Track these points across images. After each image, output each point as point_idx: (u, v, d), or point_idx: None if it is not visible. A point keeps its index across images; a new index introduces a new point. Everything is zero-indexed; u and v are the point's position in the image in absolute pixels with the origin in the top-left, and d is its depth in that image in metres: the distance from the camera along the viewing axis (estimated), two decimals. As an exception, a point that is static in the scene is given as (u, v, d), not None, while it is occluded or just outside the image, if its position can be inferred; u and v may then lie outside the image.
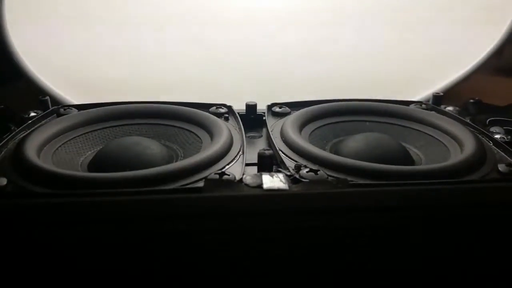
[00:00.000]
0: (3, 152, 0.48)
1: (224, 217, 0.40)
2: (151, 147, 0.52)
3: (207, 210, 0.40)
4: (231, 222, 0.40)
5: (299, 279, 0.43)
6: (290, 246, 0.41)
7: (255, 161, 0.50)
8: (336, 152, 0.56)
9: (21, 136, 0.51)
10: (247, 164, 0.50)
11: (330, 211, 0.41)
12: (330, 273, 0.43)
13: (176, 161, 0.53)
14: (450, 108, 0.66)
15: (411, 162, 0.54)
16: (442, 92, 0.70)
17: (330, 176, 0.46)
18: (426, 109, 0.65)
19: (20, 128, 0.52)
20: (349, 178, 0.45)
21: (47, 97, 0.58)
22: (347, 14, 0.78)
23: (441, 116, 0.61)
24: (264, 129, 0.61)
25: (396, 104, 0.65)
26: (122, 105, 0.60)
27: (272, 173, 0.45)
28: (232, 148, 0.52)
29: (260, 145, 0.58)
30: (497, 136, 0.57)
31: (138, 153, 0.50)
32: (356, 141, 0.56)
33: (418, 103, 0.66)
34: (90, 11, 0.70)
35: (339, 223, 0.41)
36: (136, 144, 0.52)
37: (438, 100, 0.66)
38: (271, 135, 0.55)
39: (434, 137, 0.57)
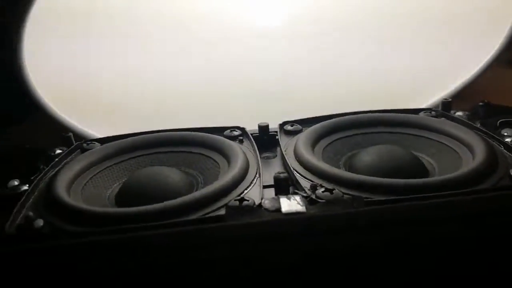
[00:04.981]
0: (35, 193, 0.50)
1: (246, 243, 0.42)
2: (172, 176, 0.54)
3: (230, 238, 0.42)
4: (253, 248, 0.42)
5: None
6: (311, 268, 0.43)
7: (272, 182, 0.52)
8: (350, 168, 0.58)
9: (50, 174, 0.54)
10: (264, 186, 0.52)
11: (348, 231, 0.42)
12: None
13: (196, 188, 0.56)
14: (459, 113, 0.66)
15: (425, 172, 0.55)
16: (452, 95, 0.71)
17: (345, 194, 0.47)
18: (436, 115, 0.66)
19: (49, 167, 0.55)
20: (364, 195, 0.47)
21: (70, 134, 0.61)
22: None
23: (451, 122, 0.62)
24: (278, 149, 0.63)
25: (405, 112, 0.66)
26: (141, 136, 0.63)
27: (290, 195, 0.47)
28: (249, 172, 0.54)
29: (275, 165, 0.59)
30: (508, 139, 0.58)
31: (160, 184, 0.53)
32: (368, 155, 0.57)
33: (428, 110, 0.67)
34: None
35: (358, 241, 0.43)
36: (157, 174, 0.54)
37: (447, 106, 0.67)
38: (285, 156, 0.57)
39: (446, 145, 0.58)
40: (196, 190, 0.55)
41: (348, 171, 0.57)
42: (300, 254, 0.42)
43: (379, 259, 0.44)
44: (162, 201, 0.49)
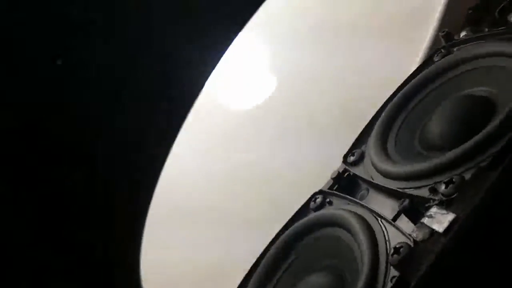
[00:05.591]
0: None
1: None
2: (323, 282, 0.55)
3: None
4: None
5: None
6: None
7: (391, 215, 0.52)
8: (428, 145, 0.57)
9: None
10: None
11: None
12: None
13: (342, 270, 0.55)
14: (464, 33, 0.67)
15: (492, 105, 0.54)
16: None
17: (461, 175, 0.47)
18: (448, 51, 0.66)
19: None
20: (474, 163, 0.47)
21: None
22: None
23: (482, 42, 0.60)
24: (360, 182, 0.62)
25: (422, 69, 0.66)
26: (265, 259, 0.62)
27: (427, 213, 0.47)
28: (371, 222, 0.53)
29: (377, 198, 0.58)
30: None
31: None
32: (439, 123, 0.57)
33: (438, 51, 0.66)
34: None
35: None
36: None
37: (449, 37, 0.67)
38: (378, 184, 0.57)
39: (490, 66, 0.57)
40: (343, 274, 0.55)
41: (430, 147, 0.57)
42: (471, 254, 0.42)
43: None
44: None
